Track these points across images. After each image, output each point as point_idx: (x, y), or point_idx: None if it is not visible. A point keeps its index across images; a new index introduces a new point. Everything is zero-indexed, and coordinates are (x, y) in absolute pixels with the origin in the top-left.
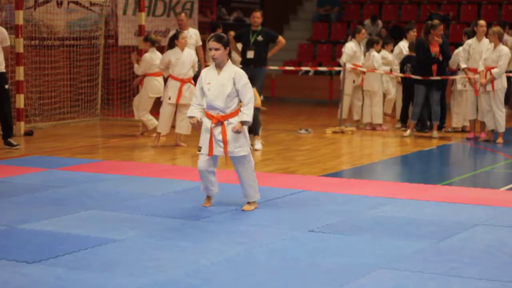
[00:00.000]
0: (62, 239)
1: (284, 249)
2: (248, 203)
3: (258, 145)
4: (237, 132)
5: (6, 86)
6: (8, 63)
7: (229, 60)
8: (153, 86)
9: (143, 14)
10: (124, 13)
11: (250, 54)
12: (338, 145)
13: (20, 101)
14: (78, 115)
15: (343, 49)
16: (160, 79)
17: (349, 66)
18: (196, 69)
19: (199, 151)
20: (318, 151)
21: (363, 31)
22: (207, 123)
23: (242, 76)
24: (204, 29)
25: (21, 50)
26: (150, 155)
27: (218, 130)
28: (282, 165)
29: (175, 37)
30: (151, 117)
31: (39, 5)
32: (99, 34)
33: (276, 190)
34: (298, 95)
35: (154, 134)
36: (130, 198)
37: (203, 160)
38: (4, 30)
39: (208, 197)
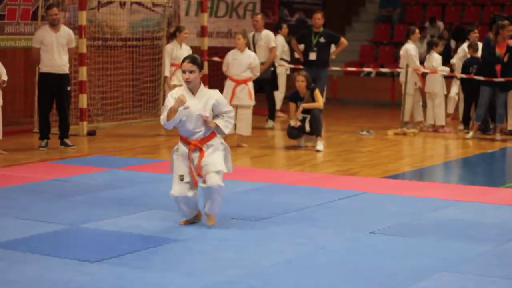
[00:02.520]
0: (124, 238)
1: (345, 251)
2: (210, 217)
3: (320, 146)
4: (206, 119)
5: (69, 88)
6: (71, 64)
7: (201, 84)
8: None
9: (206, 15)
10: (187, 13)
11: (312, 56)
12: (399, 147)
13: (83, 101)
14: (140, 115)
15: (402, 53)
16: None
17: (414, 65)
18: (258, 73)
19: (181, 179)
20: (380, 153)
21: (417, 31)
22: (184, 150)
23: (223, 101)
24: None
25: (84, 51)
26: None
27: (196, 155)
28: (343, 167)
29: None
30: None
31: (102, 5)
32: (161, 34)
33: (337, 191)
34: (360, 97)
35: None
36: None
37: (180, 186)
38: (71, 32)
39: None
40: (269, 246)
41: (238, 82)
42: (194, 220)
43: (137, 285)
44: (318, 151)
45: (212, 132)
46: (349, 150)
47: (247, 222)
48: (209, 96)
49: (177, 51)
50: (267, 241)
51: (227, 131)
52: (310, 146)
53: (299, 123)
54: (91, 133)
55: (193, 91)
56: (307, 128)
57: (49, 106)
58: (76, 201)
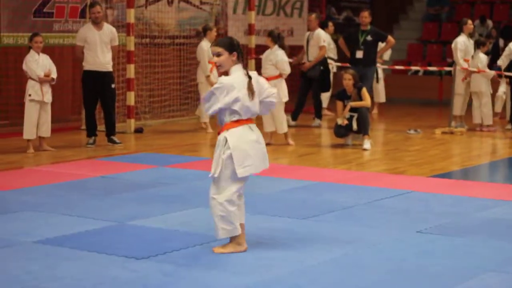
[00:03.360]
0: (171, 236)
1: (391, 250)
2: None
3: (367, 144)
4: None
5: (113, 85)
6: (115, 62)
7: (234, 67)
8: None
9: (253, 13)
10: (234, 11)
11: (359, 54)
12: (447, 145)
13: (130, 98)
14: (188, 113)
15: (453, 46)
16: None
17: (462, 64)
18: (284, 70)
19: None
20: (427, 152)
21: (469, 21)
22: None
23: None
24: None
25: (132, 48)
26: None
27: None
28: (390, 165)
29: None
30: None
31: (150, 3)
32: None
33: (384, 190)
34: (407, 95)
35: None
36: None
37: None
38: (114, 30)
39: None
40: (314, 245)
41: (268, 79)
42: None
43: (183, 283)
44: (365, 149)
45: (226, 124)
46: (396, 148)
47: (293, 220)
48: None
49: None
50: (313, 240)
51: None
52: (357, 145)
53: (346, 122)
54: (138, 130)
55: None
56: (354, 126)
57: (94, 104)
58: (123, 198)
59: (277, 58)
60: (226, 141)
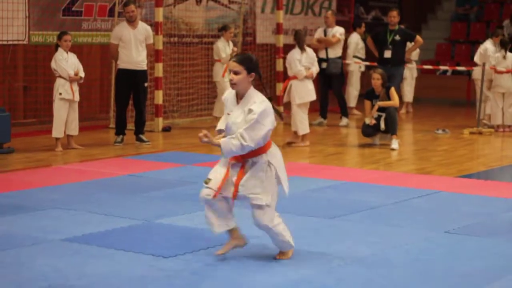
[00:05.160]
0: (198, 234)
1: (419, 250)
2: (281, 252)
3: (395, 144)
4: (204, 137)
5: (146, 84)
6: (148, 60)
7: (251, 89)
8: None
9: (281, 12)
10: (262, 11)
11: (387, 54)
12: (475, 146)
13: (158, 97)
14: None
15: (480, 50)
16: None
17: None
18: (290, 71)
19: (206, 183)
20: (455, 152)
21: (500, 31)
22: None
23: (251, 116)
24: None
25: (161, 47)
26: (282, 154)
27: (236, 170)
28: (418, 165)
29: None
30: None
31: (179, 2)
32: (237, 31)
33: (411, 190)
34: (435, 95)
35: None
36: None
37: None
38: (149, 28)
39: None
40: (342, 244)
41: (289, 79)
42: (236, 243)
43: (211, 281)
44: (393, 149)
45: (262, 146)
46: (424, 148)
47: (320, 220)
48: (249, 105)
49: (225, 48)
50: (340, 239)
51: (225, 152)
52: (384, 145)
53: (374, 121)
54: (166, 129)
55: (239, 95)
56: (382, 126)
57: (126, 102)
58: (151, 196)
59: (290, 59)
60: (268, 164)
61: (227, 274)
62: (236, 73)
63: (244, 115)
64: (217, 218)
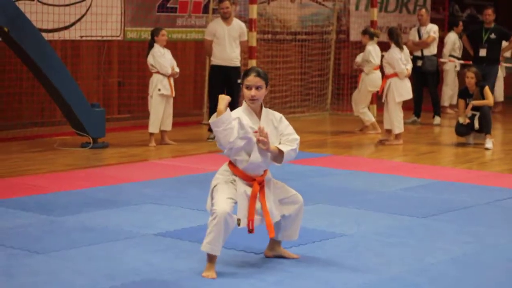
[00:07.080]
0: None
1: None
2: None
3: (489, 144)
4: (262, 142)
5: (239, 81)
6: (241, 57)
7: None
8: (372, 80)
9: (376, 10)
10: (357, 8)
11: (483, 52)
12: None
13: None
14: (308, 109)
15: None
16: (378, 73)
17: None
18: (410, 66)
19: (238, 224)
20: None
21: None
22: (244, 187)
23: (284, 121)
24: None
25: (254, 44)
26: (375, 152)
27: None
28: (511, 165)
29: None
30: (369, 113)
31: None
32: (331, 29)
33: (505, 190)
34: None
35: (371, 131)
36: (358, 193)
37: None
38: (243, 25)
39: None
40: (434, 244)
41: (386, 77)
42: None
43: (302, 279)
44: (487, 149)
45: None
46: None
47: (412, 219)
48: (273, 117)
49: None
50: (432, 238)
51: (283, 161)
52: (478, 144)
53: (468, 120)
54: None
55: (256, 112)
56: (476, 125)
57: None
58: None
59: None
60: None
61: (318, 271)
62: (258, 88)
63: (273, 128)
64: (222, 241)
